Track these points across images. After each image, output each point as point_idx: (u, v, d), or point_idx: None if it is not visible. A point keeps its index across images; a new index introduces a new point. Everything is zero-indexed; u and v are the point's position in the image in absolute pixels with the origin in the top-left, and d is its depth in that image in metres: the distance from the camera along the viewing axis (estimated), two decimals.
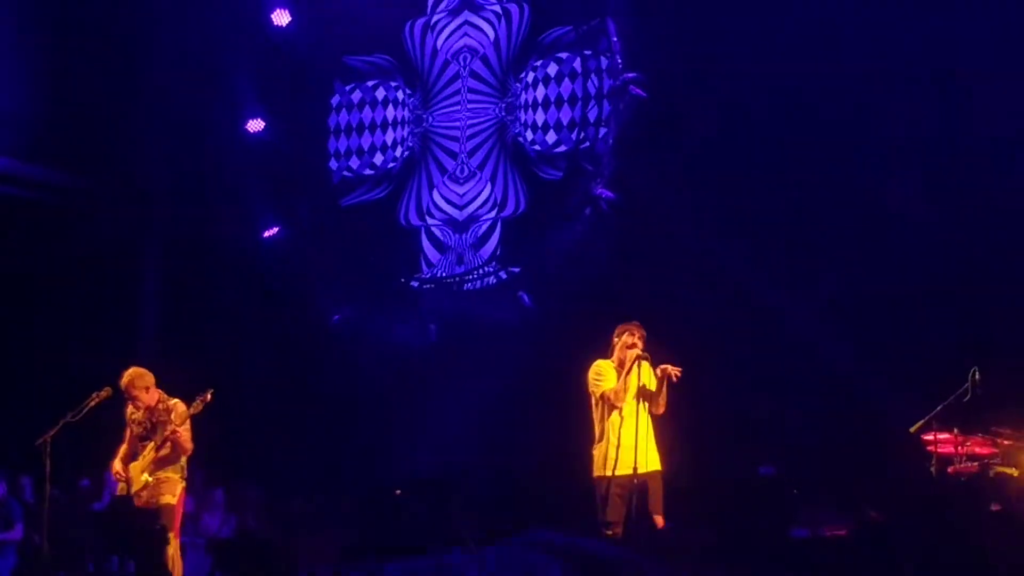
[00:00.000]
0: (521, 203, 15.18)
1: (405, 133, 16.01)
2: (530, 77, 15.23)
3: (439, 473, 12.14)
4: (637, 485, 9.14)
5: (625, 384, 9.26)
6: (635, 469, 9.07)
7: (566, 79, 14.95)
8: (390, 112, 16.10)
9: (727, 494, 9.52)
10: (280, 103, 16.22)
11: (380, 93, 16.17)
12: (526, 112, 15.24)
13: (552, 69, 15.05)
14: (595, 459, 9.39)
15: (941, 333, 11.19)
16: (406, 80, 16.03)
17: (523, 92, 15.26)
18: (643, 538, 8.93)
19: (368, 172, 16.08)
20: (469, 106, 15.67)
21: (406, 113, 16.03)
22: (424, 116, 15.89)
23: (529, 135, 15.16)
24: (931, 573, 7.66)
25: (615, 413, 9.29)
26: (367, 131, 16.22)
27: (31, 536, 12.61)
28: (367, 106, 16.24)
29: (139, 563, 8.28)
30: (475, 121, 15.62)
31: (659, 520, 9.15)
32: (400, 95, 16.06)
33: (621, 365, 9.39)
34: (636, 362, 9.23)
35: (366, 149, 16.18)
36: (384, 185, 16.02)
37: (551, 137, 14.97)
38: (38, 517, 11.41)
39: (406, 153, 15.95)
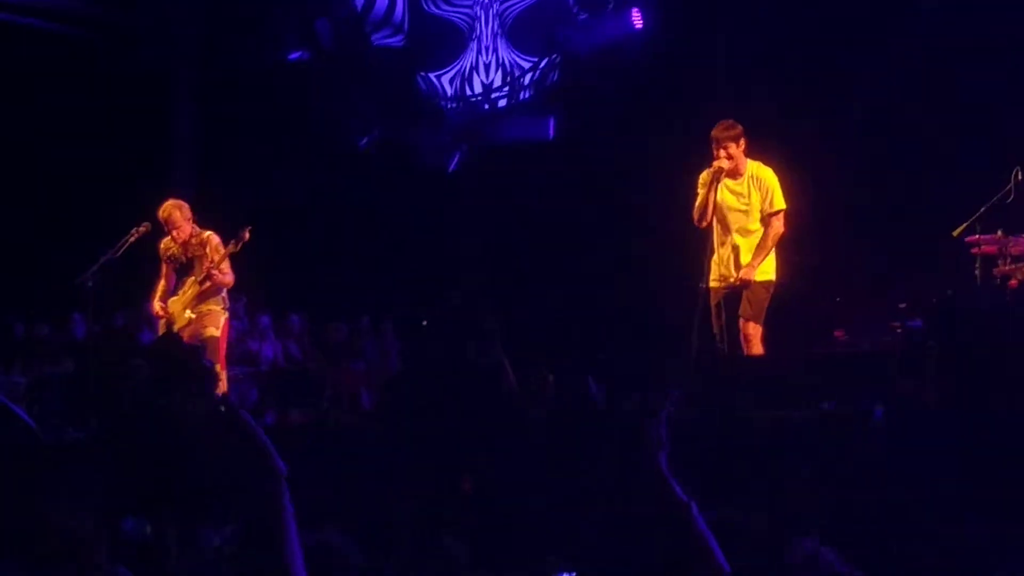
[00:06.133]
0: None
1: None
2: None
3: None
4: (725, 297, 8.95)
5: (704, 203, 8.83)
6: (722, 279, 8.94)
7: None
8: None
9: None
10: None
11: None
12: None
13: None
14: None
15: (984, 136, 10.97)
16: None
17: None
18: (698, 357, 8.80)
19: None
20: None
21: None
22: None
23: None
24: (976, 379, 7.57)
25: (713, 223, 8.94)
26: None
27: (79, 373, 12.77)
28: None
29: (189, 400, 8.34)
30: None
31: (748, 327, 8.85)
32: None
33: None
34: (713, 180, 8.81)
35: None
36: None
37: None
38: (83, 353, 11.51)
39: None
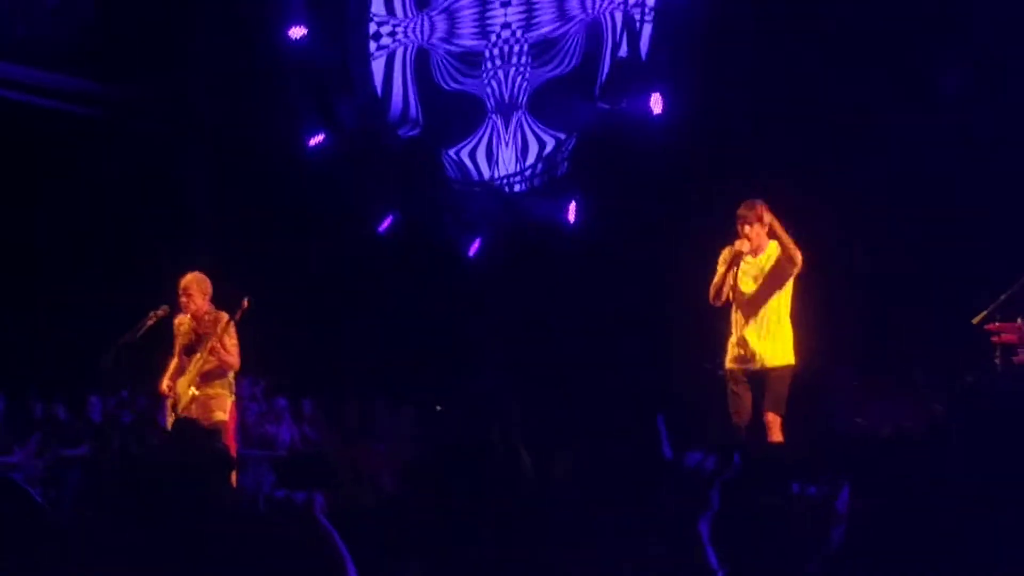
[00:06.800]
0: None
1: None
2: None
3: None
4: (749, 381, 8.89)
5: (722, 282, 8.81)
6: (739, 361, 8.87)
7: None
8: None
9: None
10: (322, 9, 16.10)
11: None
12: None
13: None
14: None
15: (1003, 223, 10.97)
16: None
17: None
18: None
19: None
20: None
21: None
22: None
23: None
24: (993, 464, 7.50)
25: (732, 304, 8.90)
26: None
27: (96, 455, 12.75)
28: None
29: (205, 487, 8.22)
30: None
31: (767, 415, 8.77)
32: None
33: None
34: (733, 261, 8.80)
35: None
36: None
37: None
38: (103, 436, 11.48)
39: None
